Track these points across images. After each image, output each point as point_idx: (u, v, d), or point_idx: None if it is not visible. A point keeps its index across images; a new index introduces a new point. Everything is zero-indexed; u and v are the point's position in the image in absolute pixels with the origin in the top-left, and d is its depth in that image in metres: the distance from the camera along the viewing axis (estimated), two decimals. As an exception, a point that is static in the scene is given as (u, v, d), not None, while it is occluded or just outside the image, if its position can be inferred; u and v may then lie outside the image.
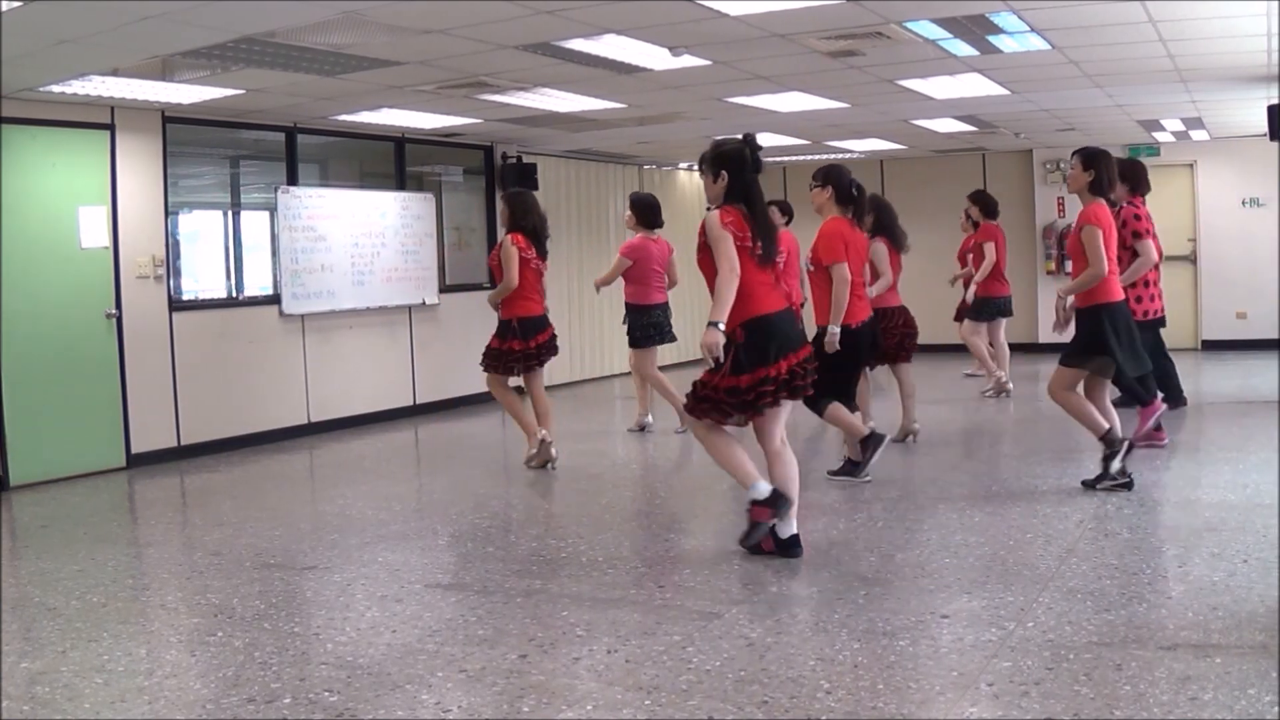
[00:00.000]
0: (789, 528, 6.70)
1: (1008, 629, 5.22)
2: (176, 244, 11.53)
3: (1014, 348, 16.27)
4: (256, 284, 12.42)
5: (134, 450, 10.62)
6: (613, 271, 11.30)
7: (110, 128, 10.42)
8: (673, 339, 11.60)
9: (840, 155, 17.83)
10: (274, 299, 12.14)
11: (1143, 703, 4.29)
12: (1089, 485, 8.16)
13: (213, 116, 11.24)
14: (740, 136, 6.70)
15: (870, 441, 8.70)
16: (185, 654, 5.47)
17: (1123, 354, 7.98)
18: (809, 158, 18.33)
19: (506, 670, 4.96)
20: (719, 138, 6.88)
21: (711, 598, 5.97)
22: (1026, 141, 17.18)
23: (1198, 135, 16.54)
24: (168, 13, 7.03)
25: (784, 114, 12.87)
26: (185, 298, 11.63)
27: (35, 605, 6.25)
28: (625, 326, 11.46)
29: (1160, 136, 16.74)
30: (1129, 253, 9.51)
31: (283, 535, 7.80)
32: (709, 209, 6.74)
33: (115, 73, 8.95)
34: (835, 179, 8.63)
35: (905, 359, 10.34)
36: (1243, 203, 17.23)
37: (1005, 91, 11.80)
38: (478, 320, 13.19)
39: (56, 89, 9.28)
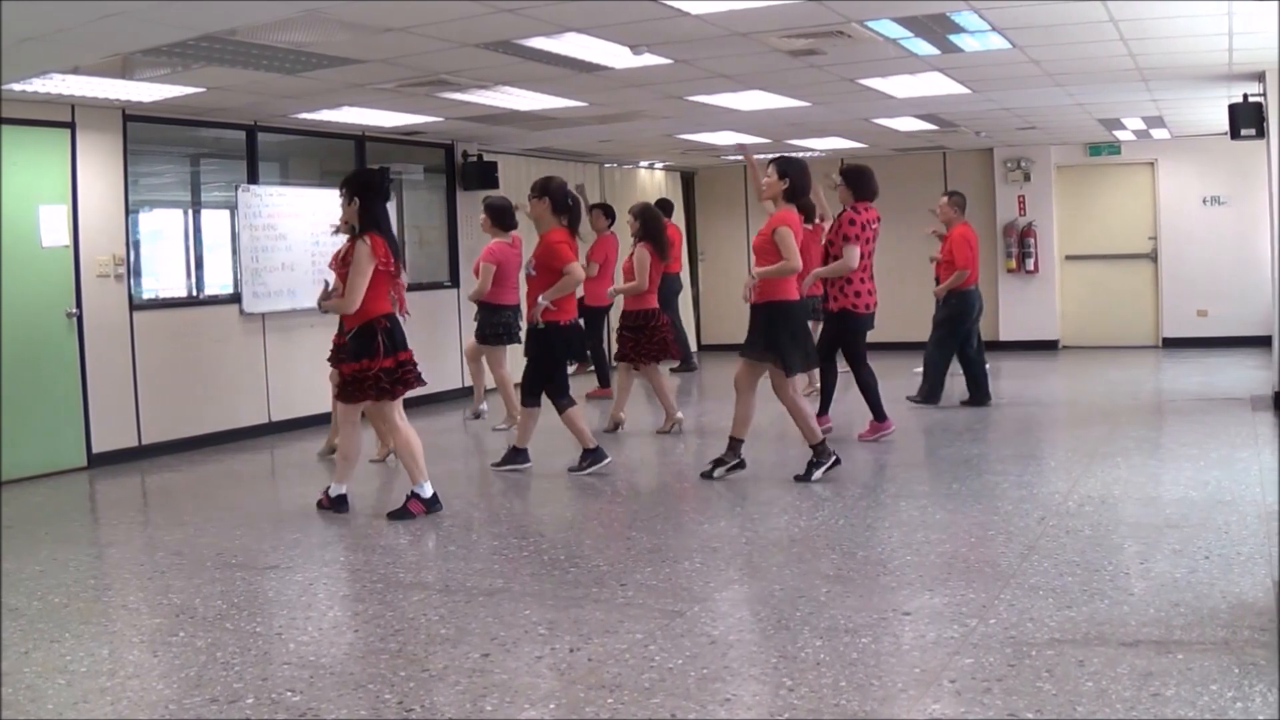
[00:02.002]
0: (340, 489, 8.28)
1: (970, 626, 5.24)
2: (137, 243, 11.46)
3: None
4: (217, 283, 12.35)
5: (95, 450, 10.55)
6: (484, 280, 11.25)
7: (71, 126, 10.35)
8: (519, 340, 11.61)
9: (801, 153, 17.85)
10: (235, 298, 12.08)
11: (1105, 699, 4.32)
12: (706, 475, 8.94)
13: (173, 114, 11.17)
14: (378, 168, 7.46)
15: (591, 455, 9.38)
16: (148, 654, 5.44)
17: (790, 350, 8.61)
18: (771, 156, 18.35)
19: (469, 669, 4.95)
20: (364, 167, 7.62)
21: (674, 596, 5.98)
22: (987, 140, 17.25)
23: (1159, 134, 16.63)
24: (129, 11, 6.97)
25: (745, 112, 12.90)
26: (146, 297, 11.55)
27: (-6, 606, 6.21)
28: (476, 323, 11.69)
29: (1121, 135, 16.84)
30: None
31: (244, 535, 7.76)
32: (361, 237, 7.77)
33: (76, 71, 8.88)
34: (551, 191, 9.34)
35: (656, 359, 11.25)
36: (1203, 201, 17.35)
37: (966, 90, 11.85)
38: (439, 319, 13.18)
39: (17, 87, 9.20)
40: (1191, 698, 4.30)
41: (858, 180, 10.30)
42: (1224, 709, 4.19)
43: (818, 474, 8.61)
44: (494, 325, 11.46)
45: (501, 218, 11.34)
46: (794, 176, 8.71)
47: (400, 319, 7.99)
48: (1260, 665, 4.58)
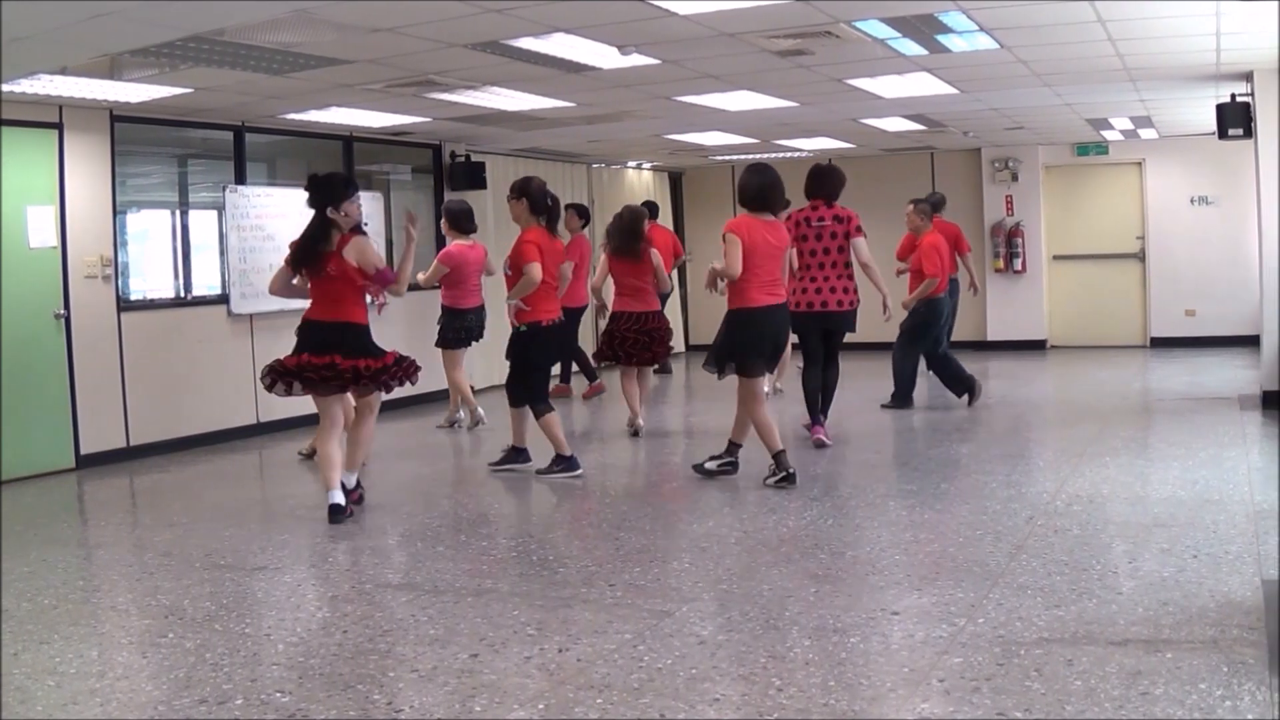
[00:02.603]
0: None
1: (958, 625, 5.25)
2: (125, 244, 11.44)
3: (965, 345, 16.36)
4: (205, 284, 12.32)
5: (83, 451, 10.53)
6: (429, 276, 11.35)
7: (58, 127, 10.33)
8: (480, 339, 11.96)
9: (789, 154, 17.87)
10: (222, 299, 12.06)
11: (1094, 698, 4.32)
12: (697, 467, 9.00)
13: (161, 115, 11.16)
14: (338, 174, 7.82)
15: (564, 462, 9.26)
16: (137, 656, 5.44)
17: (726, 359, 8.69)
18: (758, 156, 18.37)
19: (458, 670, 4.95)
20: (325, 173, 8.38)
21: (662, 596, 5.98)
22: (975, 140, 17.26)
23: (1146, 134, 16.66)
24: (117, 11, 6.96)
25: (733, 113, 12.91)
26: (134, 298, 11.52)
27: (-18, 608, 6.20)
28: (439, 327, 11.76)
29: (1109, 135, 16.86)
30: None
31: (233, 536, 7.75)
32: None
33: (64, 71, 8.87)
34: (530, 192, 9.31)
35: (647, 362, 11.38)
36: (1191, 201, 17.37)
37: (954, 91, 11.86)
38: (426, 319, 13.15)
39: (4, 88, 9.18)
40: (1180, 696, 4.30)
41: (808, 178, 10.39)
42: (1212, 708, 4.20)
43: (772, 480, 8.54)
44: (455, 329, 11.58)
45: (460, 221, 11.45)
46: (743, 181, 8.68)
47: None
48: (1249, 664, 4.59)
